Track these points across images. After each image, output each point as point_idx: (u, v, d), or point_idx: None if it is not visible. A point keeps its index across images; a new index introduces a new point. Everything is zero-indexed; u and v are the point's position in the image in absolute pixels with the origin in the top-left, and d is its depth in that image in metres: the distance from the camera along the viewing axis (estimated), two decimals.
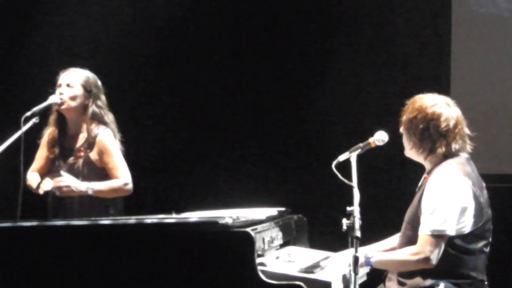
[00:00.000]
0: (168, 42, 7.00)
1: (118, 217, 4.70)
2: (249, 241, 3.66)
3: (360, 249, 3.70)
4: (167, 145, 6.96)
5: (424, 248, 3.86)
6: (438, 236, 3.85)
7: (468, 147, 4.07)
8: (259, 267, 3.68)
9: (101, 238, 3.90)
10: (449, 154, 4.00)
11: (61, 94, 4.91)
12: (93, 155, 4.88)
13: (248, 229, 3.72)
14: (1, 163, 4.69)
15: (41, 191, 4.88)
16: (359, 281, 3.78)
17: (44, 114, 4.86)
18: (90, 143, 4.89)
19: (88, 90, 4.94)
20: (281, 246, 4.35)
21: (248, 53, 6.89)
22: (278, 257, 4.16)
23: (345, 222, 3.70)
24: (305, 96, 6.79)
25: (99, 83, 5.02)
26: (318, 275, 3.87)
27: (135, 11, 6.96)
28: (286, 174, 6.78)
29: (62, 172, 4.80)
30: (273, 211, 4.36)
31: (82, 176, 4.85)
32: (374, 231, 4.24)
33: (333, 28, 6.79)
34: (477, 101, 6.34)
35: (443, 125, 3.99)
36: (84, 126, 4.94)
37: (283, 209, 4.57)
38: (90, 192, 4.79)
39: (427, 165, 4.08)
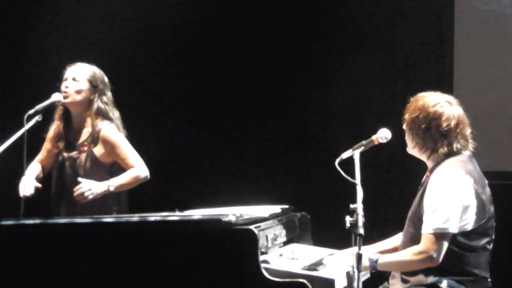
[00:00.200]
0: (169, 42, 7.00)
1: (121, 215, 4.69)
2: (252, 239, 3.66)
3: (363, 253, 3.69)
4: (170, 143, 6.96)
5: (427, 247, 3.86)
6: (441, 234, 3.85)
7: (471, 146, 4.07)
8: (263, 265, 3.68)
9: (104, 236, 3.90)
10: (451, 153, 4.00)
11: (66, 87, 4.90)
12: (97, 150, 4.87)
13: (252, 227, 3.72)
14: (4, 161, 4.69)
15: (21, 194, 4.78)
16: (363, 279, 3.79)
17: (47, 112, 4.86)
18: (94, 138, 4.88)
19: (94, 85, 4.93)
20: (285, 243, 4.35)
21: (250, 53, 6.89)
22: (281, 255, 4.16)
23: (348, 219, 3.70)
24: (310, 95, 6.79)
25: (106, 79, 5.01)
26: (321, 273, 3.88)
27: (136, 11, 6.95)
28: (290, 172, 6.78)
29: (79, 179, 4.74)
30: (276, 208, 4.36)
31: (85, 170, 4.84)
32: (376, 229, 4.25)
33: (336, 27, 6.78)
34: (480, 99, 6.33)
35: (444, 124, 3.99)
36: (89, 121, 4.93)
37: (286, 206, 4.56)
38: (112, 189, 4.76)
39: (429, 163, 4.08)
